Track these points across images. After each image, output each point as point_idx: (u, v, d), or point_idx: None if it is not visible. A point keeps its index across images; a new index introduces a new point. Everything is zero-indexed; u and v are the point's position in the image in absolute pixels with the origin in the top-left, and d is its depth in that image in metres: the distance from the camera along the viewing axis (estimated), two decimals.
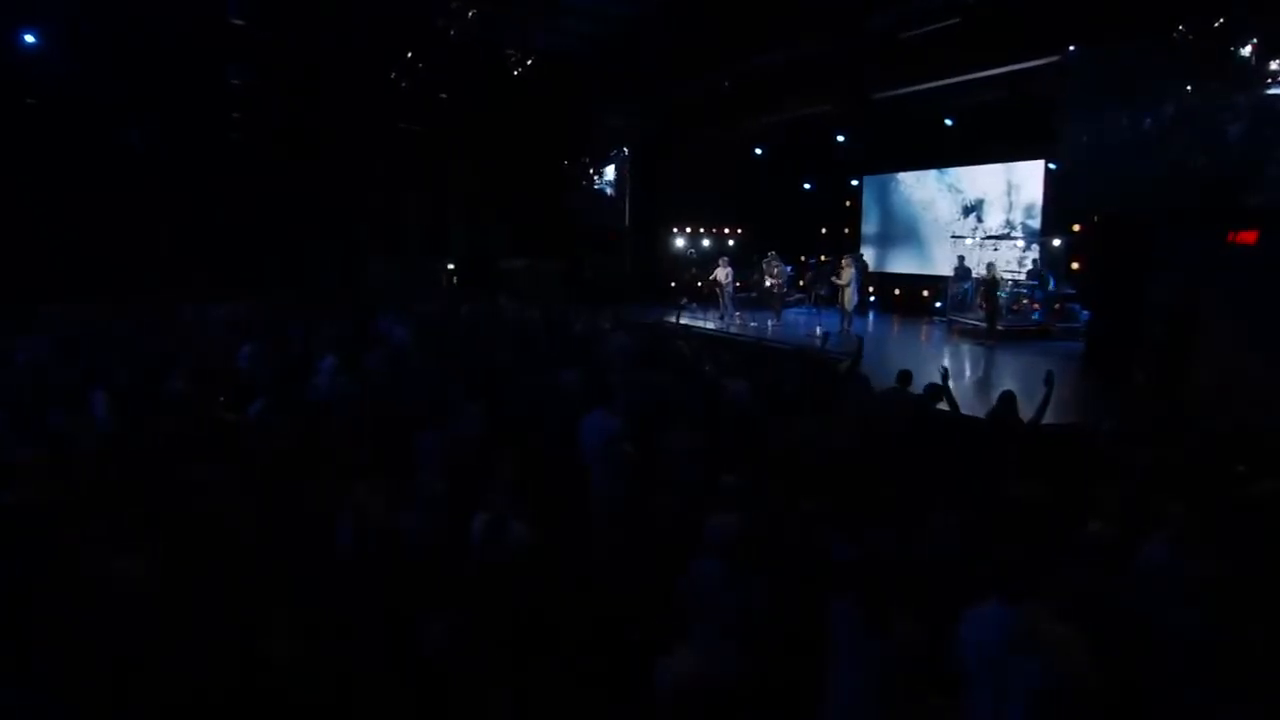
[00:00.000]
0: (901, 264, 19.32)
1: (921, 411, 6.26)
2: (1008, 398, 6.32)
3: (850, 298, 14.23)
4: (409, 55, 13.59)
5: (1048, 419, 6.98)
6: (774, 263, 16.23)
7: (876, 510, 4.15)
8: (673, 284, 20.06)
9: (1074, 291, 14.20)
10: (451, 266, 21.67)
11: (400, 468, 5.35)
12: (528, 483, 4.64)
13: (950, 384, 6.90)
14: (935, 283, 17.51)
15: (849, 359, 8.60)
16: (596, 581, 3.90)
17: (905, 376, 7.20)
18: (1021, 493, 4.29)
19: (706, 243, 20.89)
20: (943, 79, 11.70)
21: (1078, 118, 10.55)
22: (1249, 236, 9.04)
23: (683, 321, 14.83)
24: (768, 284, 16.16)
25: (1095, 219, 11.42)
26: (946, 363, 11.89)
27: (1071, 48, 10.02)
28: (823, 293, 16.76)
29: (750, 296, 17.48)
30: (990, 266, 13.28)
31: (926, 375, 7.31)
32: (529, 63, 13.55)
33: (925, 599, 3.20)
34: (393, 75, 14.13)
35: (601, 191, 21.74)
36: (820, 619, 3.46)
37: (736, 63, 13.34)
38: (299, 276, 17.54)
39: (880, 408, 6.35)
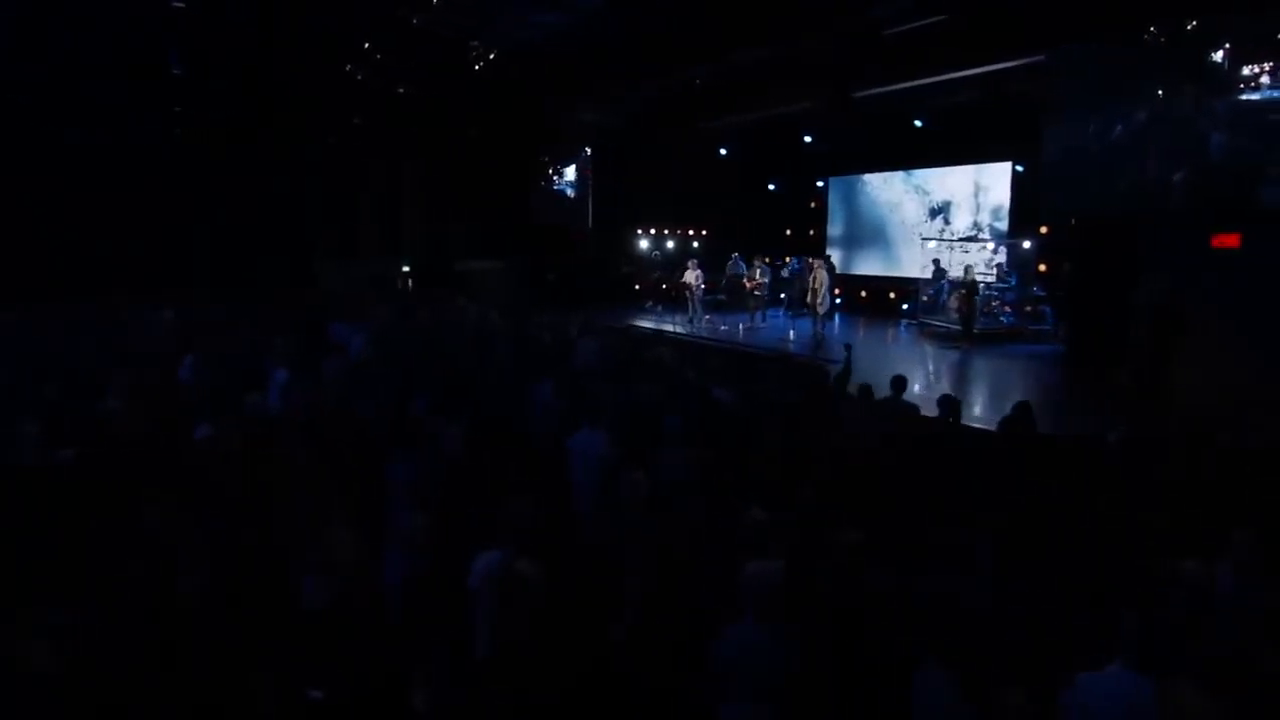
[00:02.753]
0: (868, 266, 19.19)
1: (937, 425, 5.89)
2: (1024, 407, 6.01)
3: (822, 301, 13.94)
4: (367, 46, 12.80)
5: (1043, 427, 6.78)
6: (757, 264, 15.92)
7: (921, 541, 3.75)
8: (637, 286, 19.61)
9: (1044, 293, 14.17)
10: (407, 268, 20.89)
11: (370, 497, 4.79)
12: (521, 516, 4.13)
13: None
14: (903, 285, 17.40)
15: (839, 365, 8.24)
16: (610, 633, 3.40)
17: (900, 383, 6.92)
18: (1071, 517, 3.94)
19: (670, 244, 20.50)
20: (927, 77, 11.50)
21: (1060, 118, 10.43)
22: (1231, 240, 8.99)
23: (649, 325, 14.44)
24: (748, 286, 15.81)
25: (1073, 220, 11.31)
26: (927, 367, 11.82)
27: (1055, 48, 9.87)
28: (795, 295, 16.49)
29: (719, 299, 17.12)
30: (968, 269, 13.15)
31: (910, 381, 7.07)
32: (492, 56, 12.92)
33: (1011, 656, 2.80)
34: (349, 67, 13.32)
35: (562, 192, 21.22)
36: (875, 673, 3.05)
37: (711, 59, 12.95)
38: (245, 278, 16.60)
39: (893, 421, 5.96)
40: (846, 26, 10.53)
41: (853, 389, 7.12)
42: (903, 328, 16.04)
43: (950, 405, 6.21)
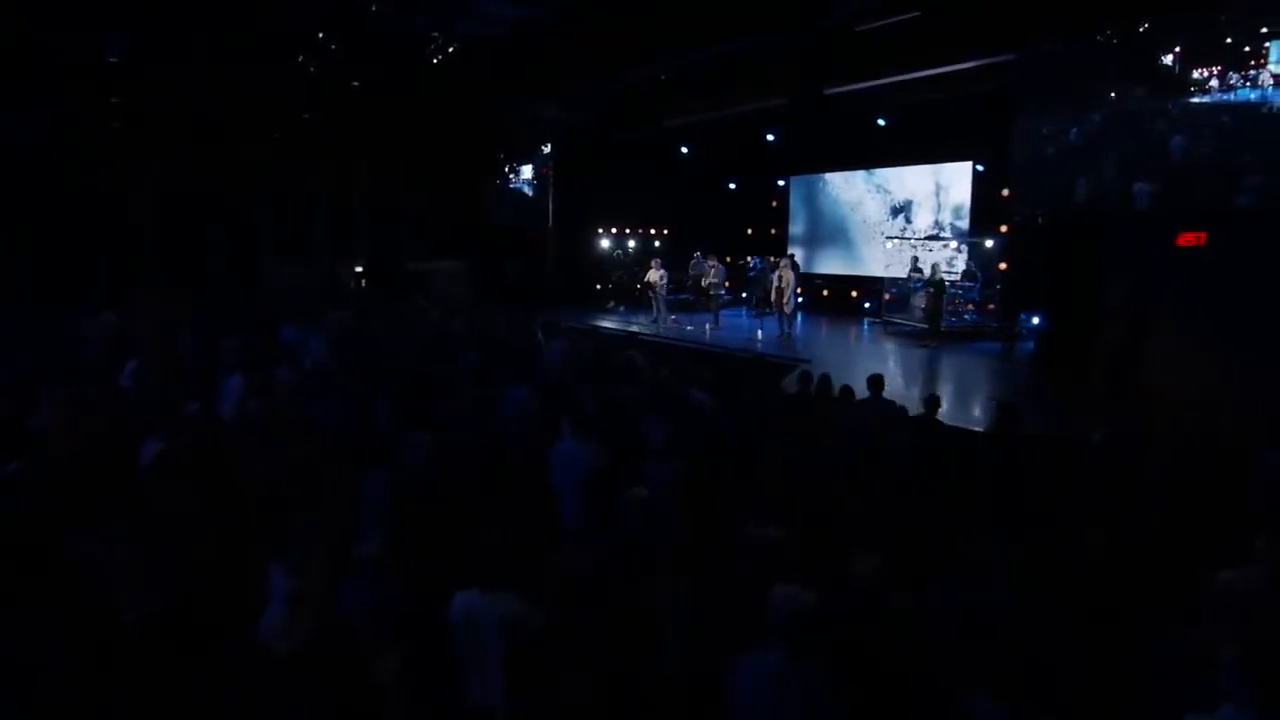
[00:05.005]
0: (829, 264, 19.21)
1: (925, 428, 5.75)
2: (1008, 408, 5.92)
3: (788, 301, 13.86)
4: (320, 36, 12.18)
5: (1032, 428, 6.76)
6: (710, 263, 15.75)
7: (936, 556, 3.57)
8: (598, 286, 19.34)
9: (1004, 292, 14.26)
10: (360, 269, 20.26)
11: (337, 517, 4.42)
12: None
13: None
14: (865, 283, 17.46)
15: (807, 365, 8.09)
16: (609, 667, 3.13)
17: (878, 382, 6.81)
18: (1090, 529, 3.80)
19: (632, 244, 20.27)
20: (899, 74, 11.47)
21: (1029, 117, 10.49)
22: (1197, 238, 9.09)
23: (612, 325, 14.20)
24: (704, 284, 15.63)
25: (1039, 219, 11.38)
26: (890, 364, 11.79)
27: (1024, 47, 9.92)
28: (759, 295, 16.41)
29: (684, 299, 16.92)
30: (935, 268, 13.18)
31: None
32: (450, 50, 12.46)
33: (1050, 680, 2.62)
34: (301, 59, 12.69)
35: (520, 190, 20.83)
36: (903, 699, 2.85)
37: (678, 55, 12.73)
38: (187, 279, 15.87)
39: (882, 426, 5.80)
40: (819, 22, 10.41)
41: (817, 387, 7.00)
42: (866, 326, 16.08)
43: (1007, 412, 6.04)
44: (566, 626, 3.23)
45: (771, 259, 16.15)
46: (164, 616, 3.34)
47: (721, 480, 4.90)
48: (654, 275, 15.25)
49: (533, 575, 3.48)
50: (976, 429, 7.03)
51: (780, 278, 13.80)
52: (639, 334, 13.35)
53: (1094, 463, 5.74)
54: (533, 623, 3.03)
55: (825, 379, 7.11)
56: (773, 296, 14.13)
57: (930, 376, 10.87)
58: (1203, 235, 8.98)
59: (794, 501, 4.44)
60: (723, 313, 15.75)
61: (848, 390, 6.51)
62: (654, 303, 15.34)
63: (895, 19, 9.98)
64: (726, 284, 16.69)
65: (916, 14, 9.71)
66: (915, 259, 15.25)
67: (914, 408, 7.11)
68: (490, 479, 5.06)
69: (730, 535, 3.88)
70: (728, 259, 17.78)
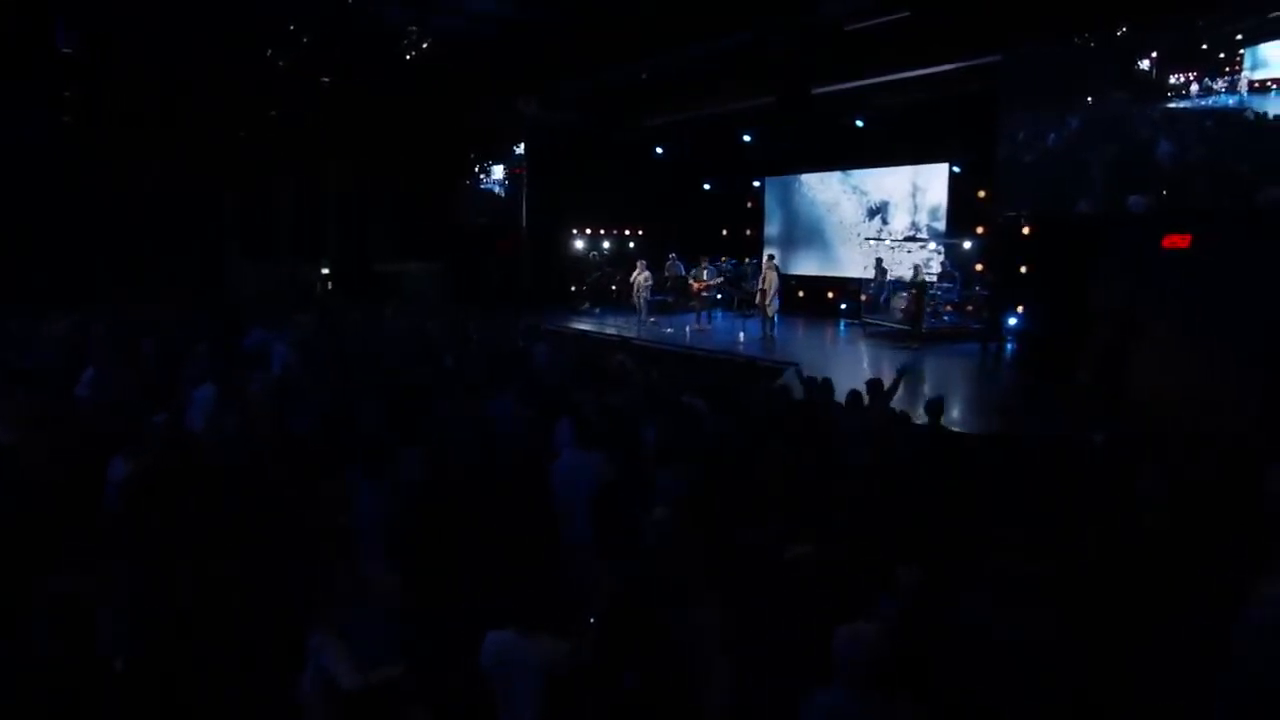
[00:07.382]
0: (805, 266, 19.12)
1: (933, 434, 5.60)
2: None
3: (771, 302, 13.73)
4: (291, 30, 11.68)
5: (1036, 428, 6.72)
6: (704, 266, 15.57)
7: (957, 565, 3.40)
8: (573, 288, 19.06)
9: (988, 293, 14.29)
10: (327, 271, 19.72)
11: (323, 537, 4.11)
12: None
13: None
14: (841, 284, 17.40)
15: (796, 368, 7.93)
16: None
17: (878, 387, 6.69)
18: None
19: (606, 245, 20.02)
20: (885, 75, 11.40)
21: (1014, 117, 10.47)
22: (1182, 241, 9.12)
23: (589, 328, 13.96)
24: (696, 288, 15.41)
25: (1021, 221, 11.39)
26: (866, 366, 11.70)
27: (1012, 48, 9.90)
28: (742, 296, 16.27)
29: (664, 300, 16.70)
30: (916, 269, 13.16)
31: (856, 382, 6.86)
32: (424, 46, 12.08)
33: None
34: (270, 53, 12.18)
35: (490, 190, 20.47)
36: None
37: (663, 53, 12.51)
38: (146, 282, 15.25)
39: (886, 431, 5.64)
40: (808, 21, 10.28)
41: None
42: (843, 327, 16.01)
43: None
44: (599, 660, 2.98)
45: (752, 259, 16.05)
46: (154, 659, 3.03)
47: (735, 491, 4.67)
48: (640, 276, 15.04)
49: (554, 604, 3.22)
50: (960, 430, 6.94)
51: (765, 279, 13.69)
52: (622, 337, 13.10)
53: (1097, 464, 5.66)
54: (571, 663, 2.77)
55: (826, 383, 6.94)
56: (757, 298, 14.00)
57: (918, 378, 10.80)
58: (1188, 237, 9.02)
59: (812, 511, 4.24)
60: (704, 314, 15.58)
61: (856, 395, 6.35)
62: (637, 304, 15.11)
63: (885, 19, 9.90)
64: (720, 280, 16.38)
65: (906, 14, 9.64)
66: (879, 260, 15.25)
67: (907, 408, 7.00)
68: (492, 495, 4.78)
69: (757, 551, 3.67)
70: (722, 259, 17.56)
